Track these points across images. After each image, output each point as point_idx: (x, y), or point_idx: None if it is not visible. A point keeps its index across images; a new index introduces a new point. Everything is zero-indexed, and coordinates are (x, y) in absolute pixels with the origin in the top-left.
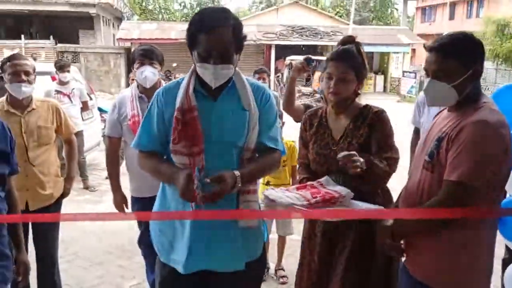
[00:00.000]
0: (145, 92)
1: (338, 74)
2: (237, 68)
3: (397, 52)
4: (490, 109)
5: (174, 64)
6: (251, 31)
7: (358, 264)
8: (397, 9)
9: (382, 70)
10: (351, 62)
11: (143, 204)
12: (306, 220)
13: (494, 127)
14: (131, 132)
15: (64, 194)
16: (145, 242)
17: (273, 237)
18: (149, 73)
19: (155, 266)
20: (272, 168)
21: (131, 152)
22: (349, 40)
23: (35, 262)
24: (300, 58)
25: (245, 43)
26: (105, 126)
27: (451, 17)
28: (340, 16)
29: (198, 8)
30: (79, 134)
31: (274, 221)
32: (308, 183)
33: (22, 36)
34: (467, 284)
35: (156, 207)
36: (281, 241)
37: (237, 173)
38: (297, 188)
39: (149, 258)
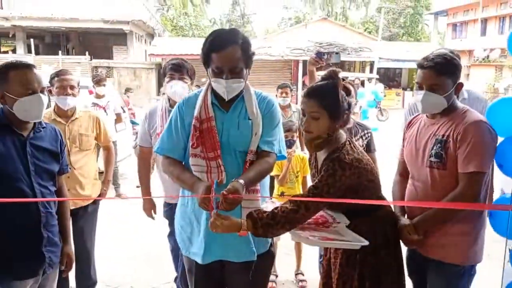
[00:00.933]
0: (174, 106)
1: (309, 112)
2: (247, 82)
3: None
4: (473, 112)
5: (204, 79)
6: (279, 47)
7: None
8: (427, 25)
9: (411, 86)
10: (323, 100)
11: (174, 208)
12: None
13: (487, 123)
14: None
15: (101, 196)
16: (173, 236)
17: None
18: (178, 88)
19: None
20: (268, 170)
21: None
22: (329, 76)
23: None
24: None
25: (273, 58)
26: (136, 138)
27: (483, 33)
28: (370, 32)
29: (228, 25)
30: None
31: None
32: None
33: (60, 52)
34: (470, 255)
35: (178, 204)
36: (297, 247)
37: (242, 182)
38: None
39: (175, 252)
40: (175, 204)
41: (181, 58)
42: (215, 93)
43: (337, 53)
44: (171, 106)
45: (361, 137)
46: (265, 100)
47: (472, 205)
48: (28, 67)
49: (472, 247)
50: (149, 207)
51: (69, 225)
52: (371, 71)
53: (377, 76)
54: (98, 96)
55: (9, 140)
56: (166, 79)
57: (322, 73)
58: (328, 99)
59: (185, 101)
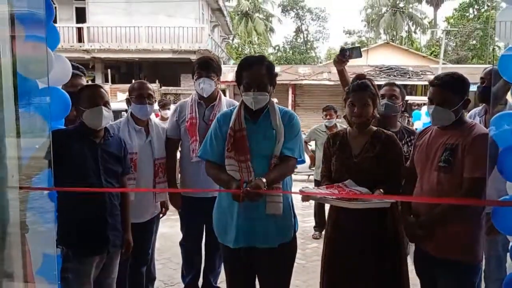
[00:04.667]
0: (203, 99)
1: (360, 101)
2: (271, 99)
3: None
4: (480, 125)
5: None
6: None
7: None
8: (499, 47)
9: None
10: (368, 92)
11: (190, 203)
12: (328, 225)
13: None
14: (187, 133)
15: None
16: (186, 243)
17: None
18: (206, 85)
19: (189, 270)
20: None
21: (185, 152)
22: (362, 76)
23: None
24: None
25: (332, 83)
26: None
27: None
28: (436, 56)
29: (291, 51)
30: None
31: None
32: (335, 184)
33: (133, 80)
34: (475, 253)
35: (216, 200)
36: None
37: (264, 180)
38: (327, 187)
39: (188, 260)
40: (195, 199)
41: (208, 56)
42: (246, 108)
43: (358, 47)
44: (200, 99)
45: (407, 142)
46: (287, 114)
47: (482, 201)
48: (94, 86)
49: (476, 246)
50: (176, 198)
51: (129, 217)
52: None
53: None
54: (163, 119)
55: (85, 146)
56: (195, 77)
57: None
58: (370, 90)
59: (223, 115)
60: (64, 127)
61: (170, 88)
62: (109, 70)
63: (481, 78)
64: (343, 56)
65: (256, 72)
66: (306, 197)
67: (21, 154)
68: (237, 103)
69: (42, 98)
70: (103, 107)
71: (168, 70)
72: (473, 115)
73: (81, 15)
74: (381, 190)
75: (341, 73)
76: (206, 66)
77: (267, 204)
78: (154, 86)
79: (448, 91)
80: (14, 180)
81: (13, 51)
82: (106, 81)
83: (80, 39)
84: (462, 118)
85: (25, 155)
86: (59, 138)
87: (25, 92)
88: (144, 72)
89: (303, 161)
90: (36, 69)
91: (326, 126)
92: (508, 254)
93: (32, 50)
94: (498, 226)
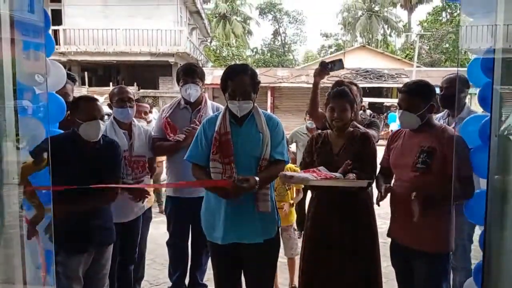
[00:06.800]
0: (189, 104)
1: (339, 107)
2: (255, 104)
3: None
4: (450, 128)
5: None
6: None
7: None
8: (465, 51)
9: None
10: (347, 98)
11: (176, 203)
12: (307, 222)
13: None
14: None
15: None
16: (173, 243)
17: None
18: (192, 91)
19: (176, 268)
20: (278, 175)
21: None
22: (340, 83)
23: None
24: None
25: (310, 86)
26: None
27: None
28: (410, 59)
29: (269, 54)
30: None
31: (282, 245)
32: (310, 169)
33: (111, 83)
34: (447, 244)
35: (203, 203)
36: (291, 262)
37: (257, 178)
38: (305, 171)
39: (175, 260)
40: (181, 199)
41: (192, 63)
42: (230, 113)
43: (340, 60)
44: (185, 103)
45: None
46: (272, 119)
47: None
48: (92, 99)
49: (448, 237)
50: None
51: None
52: None
53: None
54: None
55: (76, 152)
56: (180, 83)
57: None
58: (348, 96)
59: (208, 120)
60: (58, 134)
61: (149, 91)
62: (86, 73)
63: (440, 86)
64: (325, 68)
65: (241, 81)
66: (288, 178)
67: (20, 155)
68: (222, 107)
69: (39, 102)
70: (100, 121)
71: (146, 72)
72: (438, 118)
73: (56, 18)
74: (354, 174)
75: (316, 87)
76: (191, 72)
77: (259, 203)
78: (132, 89)
79: (414, 97)
80: (15, 181)
81: (12, 56)
82: (83, 84)
83: (56, 41)
84: (430, 121)
85: (23, 157)
86: (53, 143)
87: (22, 96)
88: (122, 75)
89: (288, 163)
90: (34, 76)
91: (307, 128)
92: (471, 244)
93: (30, 57)
94: (470, 218)
